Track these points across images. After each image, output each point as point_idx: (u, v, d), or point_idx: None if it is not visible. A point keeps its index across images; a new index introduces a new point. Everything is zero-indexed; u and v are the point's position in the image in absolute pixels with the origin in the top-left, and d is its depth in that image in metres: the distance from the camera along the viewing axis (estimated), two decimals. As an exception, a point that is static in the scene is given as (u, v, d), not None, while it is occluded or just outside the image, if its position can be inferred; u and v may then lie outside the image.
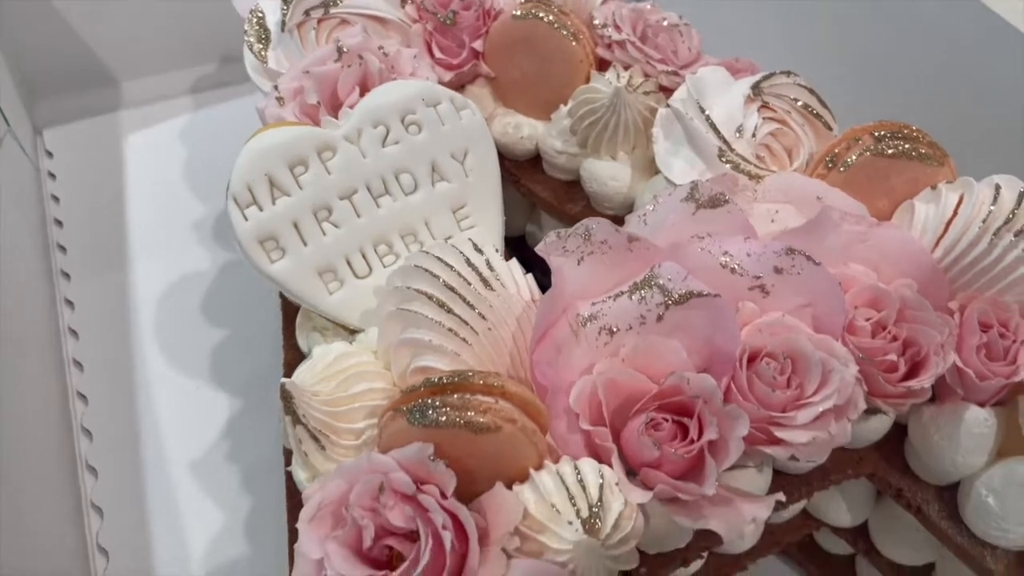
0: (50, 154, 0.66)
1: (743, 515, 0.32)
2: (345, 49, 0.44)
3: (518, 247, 0.54)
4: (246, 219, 0.37)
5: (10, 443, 0.42)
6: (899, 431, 0.39)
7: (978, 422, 0.35)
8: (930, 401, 0.37)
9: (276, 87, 0.44)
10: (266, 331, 0.53)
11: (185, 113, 0.70)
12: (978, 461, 0.36)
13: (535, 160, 0.50)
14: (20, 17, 0.66)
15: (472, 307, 0.34)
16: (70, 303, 0.57)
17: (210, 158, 0.67)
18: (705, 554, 0.39)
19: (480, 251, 0.35)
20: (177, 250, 0.60)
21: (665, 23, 0.48)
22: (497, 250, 0.37)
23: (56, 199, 0.63)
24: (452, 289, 0.34)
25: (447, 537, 0.28)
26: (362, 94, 0.43)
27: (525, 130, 0.49)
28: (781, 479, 0.38)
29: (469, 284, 0.34)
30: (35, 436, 0.47)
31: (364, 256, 0.38)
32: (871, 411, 0.37)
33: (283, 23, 0.46)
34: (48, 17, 0.67)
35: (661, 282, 0.34)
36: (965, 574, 0.39)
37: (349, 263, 0.38)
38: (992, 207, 0.37)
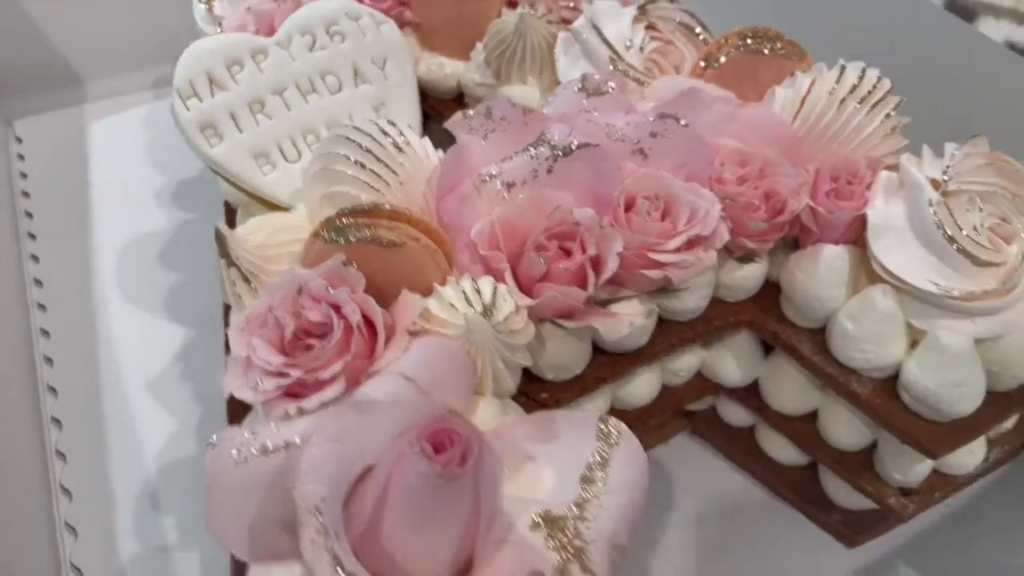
0: (19, 140, 0.71)
1: (623, 320, 0.37)
2: (282, -9, 0.50)
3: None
4: (188, 109, 0.42)
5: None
6: (772, 288, 0.44)
7: (833, 256, 0.40)
8: (795, 248, 0.42)
9: (220, 24, 0.50)
10: (216, 276, 0.58)
11: (146, 104, 0.75)
12: (837, 293, 0.41)
13: (458, 98, 0.56)
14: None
15: (386, 165, 0.39)
16: (35, 257, 0.61)
17: (168, 143, 0.71)
18: (604, 398, 0.43)
19: (394, 124, 0.40)
20: (137, 212, 0.64)
21: (568, -29, 0.55)
22: (414, 131, 0.42)
23: (24, 176, 0.68)
24: (368, 150, 0.39)
25: (355, 320, 0.33)
26: (297, 28, 0.49)
27: (447, 68, 0.54)
28: (669, 326, 0.42)
29: (383, 147, 0.39)
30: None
31: (294, 143, 0.43)
32: (744, 259, 0.42)
33: (227, -26, 0.52)
34: (17, 19, 0.73)
35: (550, 139, 0.39)
36: (842, 416, 0.43)
37: (280, 149, 0.43)
38: (838, 82, 0.43)
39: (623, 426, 0.33)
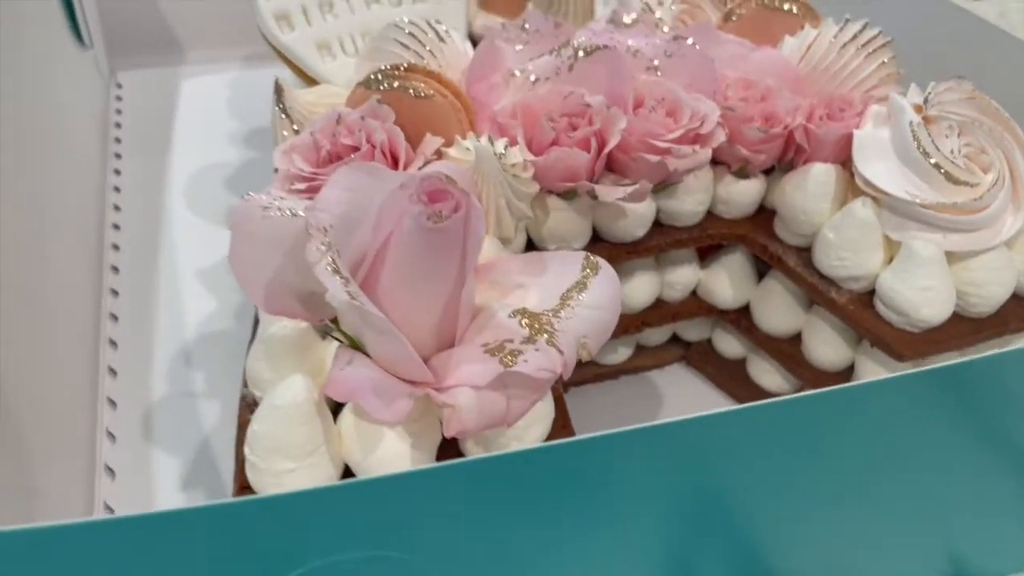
0: (120, 85, 0.80)
1: (618, 189, 0.41)
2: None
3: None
4: (268, 0, 0.48)
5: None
6: (769, 213, 0.47)
7: (821, 172, 0.44)
8: (787, 169, 0.46)
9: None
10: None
11: (235, 71, 0.84)
12: (823, 207, 0.44)
13: None
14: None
15: (429, 51, 0.45)
16: (117, 187, 0.68)
17: (247, 99, 0.79)
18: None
19: (439, 22, 0.46)
20: (213, 147, 0.71)
21: (618, -44, 0.61)
22: (461, 37, 0.48)
23: (119, 111, 0.76)
24: (414, 36, 0.45)
25: (381, 141, 0.38)
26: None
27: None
28: (667, 228, 0.46)
29: (427, 35, 0.45)
30: (71, 268, 0.57)
31: (353, 39, 0.49)
32: (740, 173, 0.46)
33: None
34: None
35: (574, 42, 0.45)
36: (824, 337, 0.46)
37: (341, 43, 0.49)
38: (840, 31, 0.47)
39: (604, 261, 0.37)
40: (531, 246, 0.44)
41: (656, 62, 0.46)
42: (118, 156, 0.70)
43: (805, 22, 0.51)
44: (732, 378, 0.52)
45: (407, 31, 0.45)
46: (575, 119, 0.42)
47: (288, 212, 0.34)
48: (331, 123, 0.39)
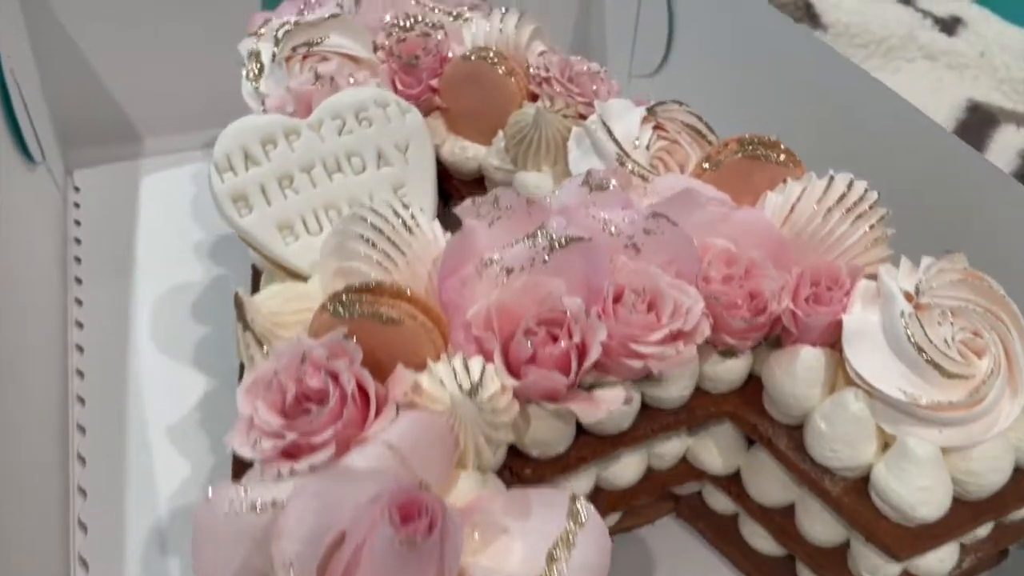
0: (77, 189, 0.77)
1: (600, 406, 0.39)
2: (321, 74, 0.54)
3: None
4: (223, 181, 0.46)
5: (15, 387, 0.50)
6: (757, 383, 0.46)
7: (810, 357, 0.43)
8: (774, 345, 0.45)
9: (263, 101, 0.54)
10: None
11: (197, 163, 0.81)
12: (813, 393, 0.43)
13: (479, 179, 0.59)
14: (61, 72, 0.78)
15: (394, 244, 0.42)
16: (79, 301, 0.65)
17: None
18: (590, 477, 0.45)
19: (406, 207, 0.44)
20: (176, 265, 0.69)
21: (589, 70, 0.59)
22: (428, 216, 0.46)
23: (78, 223, 0.73)
24: (380, 229, 0.42)
25: (350, 389, 0.36)
26: (332, 109, 0.53)
27: (470, 152, 0.58)
28: (652, 412, 0.45)
29: (394, 227, 0.43)
30: (35, 399, 0.55)
31: (316, 217, 0.47)
32: (726, 353, 0.44)
33: (274, 56, 0.57)
34: (85, 75, 0.79)
35: (549, 232, 0.43)
36: (818, 512, 0.45)
37: (304, 221, 0.46)
38: (826, 191, 0.45)
39: (592, 508, 0.35)
40: (512, 450, 0.42)
41: (635, 239, 0.44)
42: (79, 281, 0.68)
43: (788, 172, 0.48)
44: (724, 536, 0.51)
45: (370, 222, 0.42)
46: (553, 328, 0.40)
47: (252, 505, 0.32)
48: (295, 361, 0.37)
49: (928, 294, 0.41)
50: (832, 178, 0.46)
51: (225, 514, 0.31)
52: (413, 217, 0.44)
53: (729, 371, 0.44)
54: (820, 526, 0.45)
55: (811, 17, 1.01)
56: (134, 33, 0.79)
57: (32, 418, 0.53)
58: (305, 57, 0.58)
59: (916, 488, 0.40)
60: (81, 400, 0.58)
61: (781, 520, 0.47)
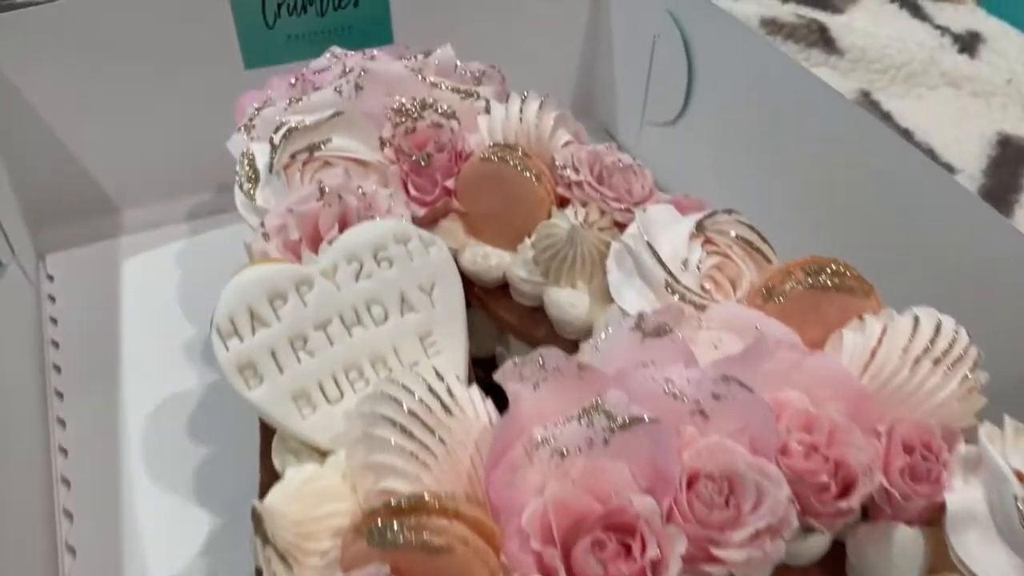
0: (51, 278, 0.70)
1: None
2: (326, 189, 0.48)
3: (488, 368, 0.58)
4: (227, 349, 0.40)
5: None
6: (841, 548, 0.41)
7: (907, 540, 0.38)
8: (864, 519, 0.40)
9: (263, 224, 0.48)
10: (248, 450, 0.56)
11: (181, 239, 0.74)
12: (911, 577, 0.38)
13: (503, 286, 0.53)
14: (25, 146, 0.71)
15: (432, 432, 0.37)
16: (62, 421, 0.59)
17: (203, 282, 0.69)
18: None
19: (442, 378, 0.38)
20: (166, 370, 0.63)
21: (620, 164, 0.53)
22: (459, 377, 0.40)
23: (54, 321, 0.66)
24: (414, 414, 0.37)
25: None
26: (341, 230, 0.47)
27: (493, 260, 0.52)
28: (728, 596, 0.40)
29: (430, 410, 0.37)
30: (21, 550, 0.49)
31: (336, 382, 0.41)
32: (808, 530, 0.40)
33: (271, 165, 0.50)
34: (52, 147, 0.72)
35: (607, 408, 0.37)
36: None
37: (322, 389, 0.41)
38: (912, 337, 0.40)
39: None
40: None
41: (702, 404, 0.38)
42: (60, 396, 0.61)
43: (861, 304, 0.43)
44: None
45: (405, 405, 0.37)
46: (623, 535, 0.35)
47: None
48: (332, 607, 0.32)
49: (1039, 470, 0.37)
50: (917, 319, 0.41)
51: None
52: (450, 392, 0.38)
53: (811, 548, 0.40)
54: None
55: (826, 41, 0.95)
56: (101, 99, 0.72)
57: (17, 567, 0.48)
58: (306, 163, 0.51)
59: None
60: (71, 550, 0.53)
61: None
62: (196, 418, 0.60)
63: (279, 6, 0.72)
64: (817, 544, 0.40)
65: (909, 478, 0.38)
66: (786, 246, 0.49)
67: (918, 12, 1.05)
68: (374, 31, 0.76)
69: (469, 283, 0.53)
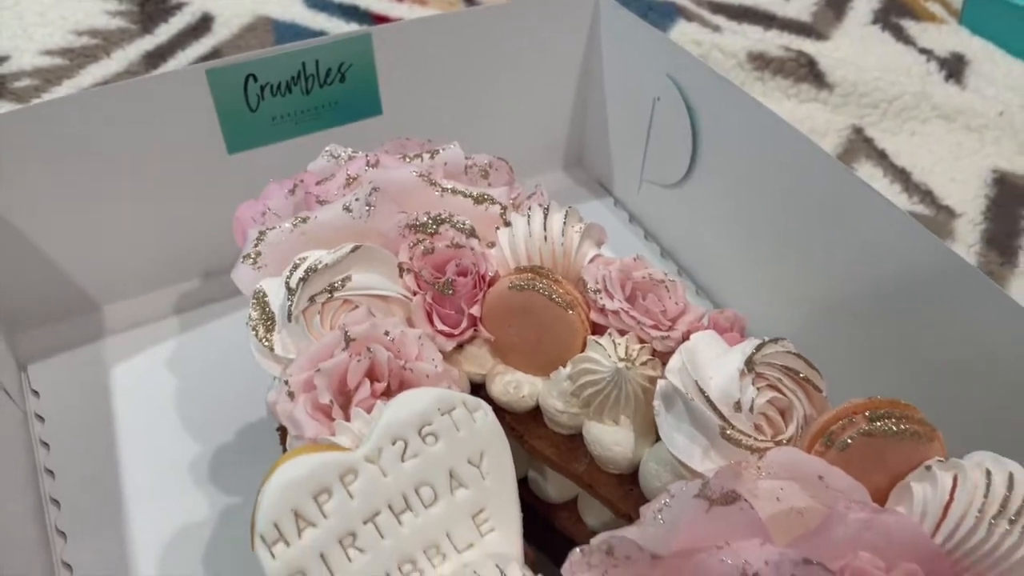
0: (36, 393, 0.66)
1: None
2: (352, 338, 0.45)
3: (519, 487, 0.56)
4: (274, 557, 0.37)
5: None
6: None
7: None
8: None
9: (287, 381, 0.45)
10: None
11: (170, 336, 0.70)
12: None
13: (535, 412, 0.51)
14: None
15: (505, 648, 0.35)
16: (68, 566, 0.56)
17: (198, 383, 0.67)
18: None
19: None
20: (174, 497, 0.59)
21: (650, 279, 0.51)
22: (518, 563, 0.38)
23: (46, 445, 0.63)
24: (484, 634, 0.35)
25: None
26: (371, 383, 0.45)
27: (526, 388, 0.50)
28: None
29: (499, 626, 0.35)
30: None
31: (390, 579, 0.38)
32: None
33: (288, 311, 0.47)
34: (25, 249, 0.68)
35: (686, 610, 0.35)
36: None
37: (377, 590, 0.38)
38: (986, 494, 0.39)
39: None
40: None
41: (781, 586, 0.37)
42: (63, 536, 0.58)
43: (926, 449, 0.42)
44: None
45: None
46: None
47: None
48: None
49: None
50: (989, 473, 0.40)
51: None
52: (517, 596, 0.36)
53: None
54: None
55: (815, 75, 0.94)
56: (75, 195, 0.67)
57: None
58: (325, 304, 0.48)
59: None
60: None
61: None
62: (211, 552, 0.57)
63: (262, 88, 0.68)
64: None
65: (997, 654, 0.37)
66: (792, 324, 0.48)
67: (901, 34, 1.04)
68: (363, 104, 0.73)
69: (499, 410, 0.51)
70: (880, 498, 0.42)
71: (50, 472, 0.61)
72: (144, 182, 0.68)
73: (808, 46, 0.97)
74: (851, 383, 0.48)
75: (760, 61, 0.93)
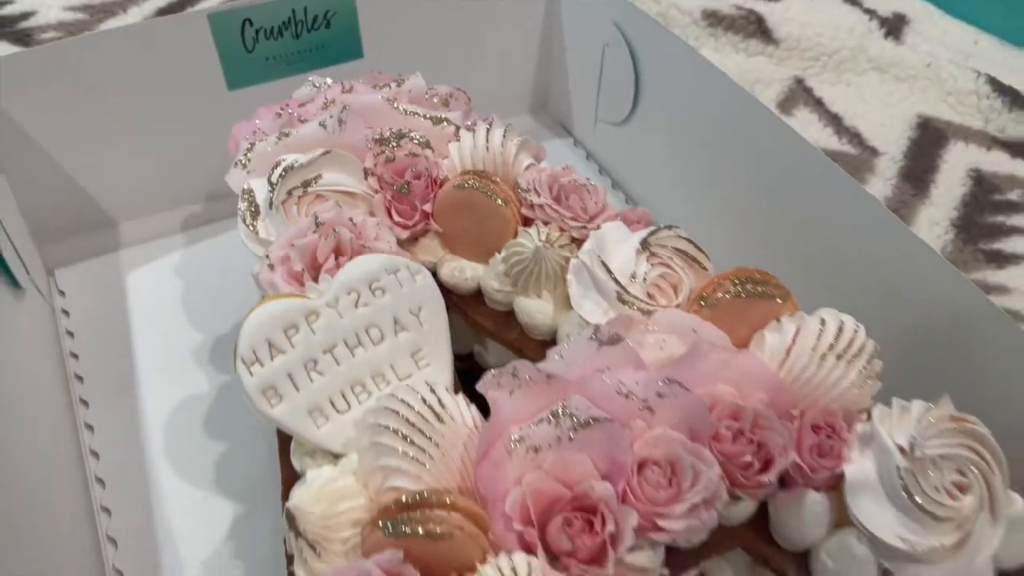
0: (62, 293, 0.77)
1: (634, 583, 0.43)
2: (321, 222, 0.55)
3: (466, 361, 0.66)
4: (251, 375, 0.47)
5: (44, 549, 0.52)
6: (765, 509, 0.50)
7: (815, 504, 0.47)
8: (782, 487, 0.49)
9: (268, 256, 0.55)
10: (261, 443, 0.64)
11: (178, 248, 0.81)
12: (819, 532, 0.47)
13: (478, 294, 0.61)
14: (28, 172, 0.77)
15: (428, 437, 0.45)
16: (90, 427, 0.67)
17: (202, 287, 0.78)
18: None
19: (433, 391, 0.46)
20: (179, 374, 0.70)
21: (575, 183, 0.60)
22: (447, 388, 0.48)
23: (71, 334, 0.73)
24: (412, 424, 0.45)
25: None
26: (337, 259, 0.55)
27: (468, 272, 0.60)
28: (674, 552, 0.49)
29: (425, 419, 0.45)
30: (64, 542, 0.57)
31: (344, 396, 0.49)
32: (736, 498, 0.48)
33: (270, 201, 0.57)
34: (53, 171, 0.78)
35: (571, 411, 0.46)
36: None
37: (332, 403, 0.48)
38: (819, 338, 0.49)
39: None
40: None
41: (649, 402, 0.47)
42: (85, 404, 0.68)
43: (780, 308, 0.52)
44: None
45: (403, 415, 0.45)
46: (587, 514, 0.43)
47: None
48: (359, 585, 0.40)
49: (920, 448, 0.45)
50: (823, 321, 0.49)
51: None
52: (441, 403, 0.46)
53: (739, 513, 0.48)
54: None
55: (763, 32, 1.02)
56: (96, 123, 0.77)
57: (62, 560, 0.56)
58: (301, 197, 0.58)
59: (915, 620, 0.45)
60: (112, 541, 0.61)
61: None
62: (211, 416, 0.68)
63: (257, 32, 0.78)
64: (744, 510, 0.49)
65: (816, 455, 0.47)
66: (718, 243, 0.58)
67: (849, -4, 1.12)
68: (346, 48, 0.83)
69: (448, 292, 0.61)
70: (742, 346, 0.52)
71: (75, 355, 0.72)
72: (155, 114, 0.79)
73: (760, 6, 1.06)
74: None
75: (713, 18, 1.02)
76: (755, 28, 1.02)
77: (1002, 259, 0.78)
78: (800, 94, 0.97)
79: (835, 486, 0.47)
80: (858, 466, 0.46)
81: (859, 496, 0.46)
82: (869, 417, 0.48)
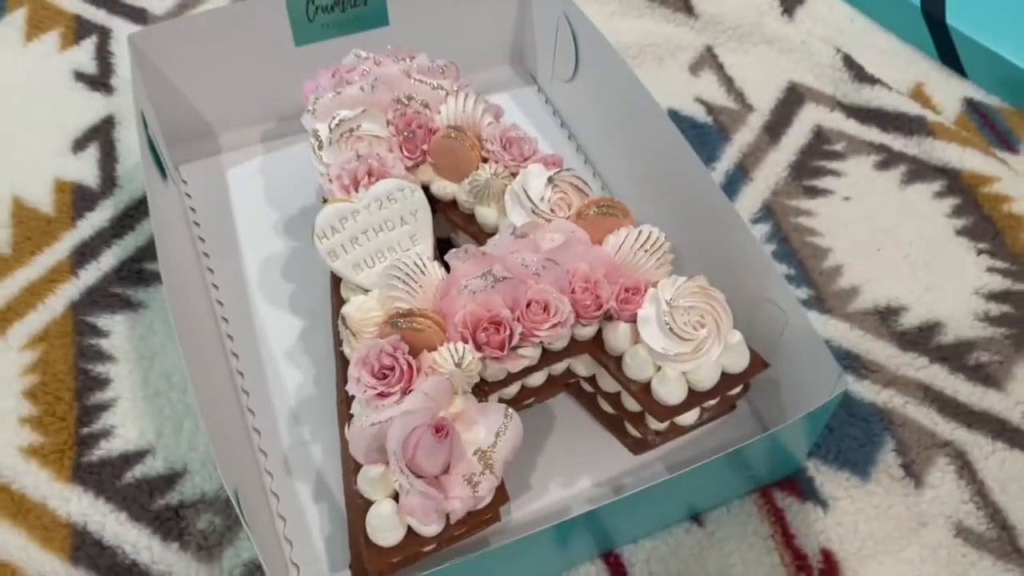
0: (185, 182, 1.16)
1: (520, 360, 0.83)
2: (360, 155, 0.93)
3: (445, 243, 1.05)
4: (322, 242, 0.87)
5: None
6: (600, 332, 0.90)
7: (624, 330, 0.86)
8: (607, 319, 0.88)
9: (327, 173, 0.94)
10: (320, 283, 1.04)
11: (259, 156, 1.19)
12: (626, 345, 0.87)
13: (454, 203, 1.00)
14: (160, 96, 1.14)
15: (416, 282, 0.85)
16: (211, 270, 1.07)
17: (278, 184, 1.16)
18: (517, 384, 0.90)
19: (421, 258, 0.86)
20: (266, 239, 1.09)
21: (517, 135, 0.98)
22: (429, 257, 0.88)
23: (193, 210, 1.13)
24: (408, 275, 0.84)
25: (404, 366, 0.79)
26: (369, 178, 0.93)
27: (448, 189, 0.98)
28: (548, 353, 0.89)
29: (415, 273, 0.85)
30: (203, 340, 0.98)
31: (373, 259, 0.88)
32: (583, 325, 0.88)
33: (329, 139, 0.96)
34: (175, 96, 1.16)
35: (494, 272, 0.85)
36: (627, 396, 0.91)
37: (366, 261, 0.88)
38: (636, 238, 0.88)
39: (514, 412, 0.80)
40: (479, 383, 0.86)
41: (538, 270, 0.86)
42: (206, 255, 1.09)
43: (621, 222, 0.90)
44: (590, 404, 0.97)
45: (403, 270, 0.85)
46: (497, 326, 0.84)
47: (372, 423, 0.76)
48: (376, 352, 0.80)
49: (678, 300, 0.85)
50: (641, 231, 0.88)
51: (359, 428, 0.76)
52: (424, 265, 0.86)
53: (585, 332, 0.88)
54: (631, 403, 0.91)
55: (688, 8, 1.36)
56: (207, 65, 1.15)
57: (203, 346, 0.96)
58: (348, 138, 0.96)
59: (670, 389, 0.85)
60: (230, 337, 1.02)
61: (615, 398, 0.93)
62: (287, 268, 1.08)
63: (316, 8, 1.14)
64: (587, 331, 0.88)
65: (625, 303, 0.86)
66: (622, 182, 0.95)
67: (764, -24, 1.44)
68: (377, 18, 1.18)
69: (435, 201, 1.00)
70: (597, 243, 0.91)
71: (196, 224, 1.11)
72: (247, 60, 1.15)
73: (691, -16, 1.39)
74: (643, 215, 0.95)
75: (650, -4, 1.36)
76: (681, 3, 1.36)
77: (814, 192, 1.15)
78: (708, 59, 1.32)
79: (634, 320, 0.87)
80: (646, 311, 0.86)
81: (645, 325, 0.86)
82: (656, 285, 0.88)
